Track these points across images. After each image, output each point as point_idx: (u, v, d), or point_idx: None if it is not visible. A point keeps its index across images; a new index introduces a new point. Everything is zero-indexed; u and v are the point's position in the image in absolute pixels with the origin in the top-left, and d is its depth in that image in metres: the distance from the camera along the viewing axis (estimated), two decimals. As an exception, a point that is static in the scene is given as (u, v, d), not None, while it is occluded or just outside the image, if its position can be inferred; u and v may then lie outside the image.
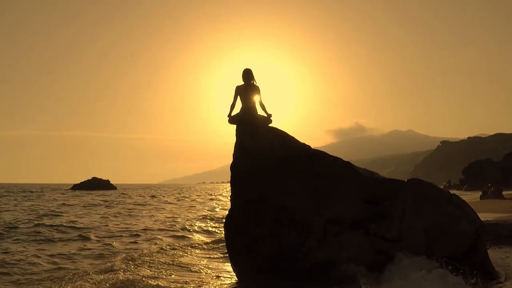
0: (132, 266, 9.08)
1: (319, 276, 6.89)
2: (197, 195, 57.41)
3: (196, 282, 7.96)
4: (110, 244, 12.45)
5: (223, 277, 8.39)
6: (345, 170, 7.28)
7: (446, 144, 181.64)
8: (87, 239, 13.41)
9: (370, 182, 7.22)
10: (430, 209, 7.01)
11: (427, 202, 7.08)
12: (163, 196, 52.76)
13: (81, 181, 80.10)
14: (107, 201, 36.93)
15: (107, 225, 17.35)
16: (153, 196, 51.36)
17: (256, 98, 7.88)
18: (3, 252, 10.73)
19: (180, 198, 47.64)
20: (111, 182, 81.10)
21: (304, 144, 7.54)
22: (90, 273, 8.36)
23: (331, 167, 7.30)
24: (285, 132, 7.66)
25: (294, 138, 7.62)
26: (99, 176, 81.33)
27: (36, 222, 17.27)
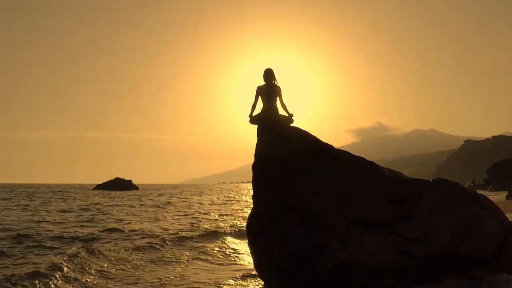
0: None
1: (342, 277, 6.83)
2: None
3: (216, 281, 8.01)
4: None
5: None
6: (368, 170, 7.20)
7: (470, 143, 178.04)
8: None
9: (394, 182, 7.13)
10: (456, 209, 6.89)
11: (453, 202, 6.95)
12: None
13: (104, 182, 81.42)
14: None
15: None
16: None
17: (277, 98, 7.88)
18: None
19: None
20: (133, 182, 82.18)
21: (327, 144, 7.49)
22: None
23: (354, 167, 7.23)
24: (307, 132, 7.63)
25: (316, 137, 7.58)
26: (121, 176, 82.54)
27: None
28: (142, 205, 33.87)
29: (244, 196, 55.10)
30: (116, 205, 33.46)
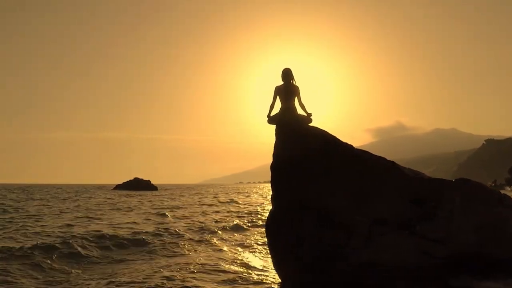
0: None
1: (362, 277, 6.77)
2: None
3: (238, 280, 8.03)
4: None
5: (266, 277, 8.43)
6: (389, 170, 7.12)
7: (491, 143, 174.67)
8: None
9: (415, 182, 7.03)
10: (479, 210, 6.77)
11: (476, 202, 6.84)
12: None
13: (123, 182, 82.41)
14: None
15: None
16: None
17: (295, 98, 7.85)
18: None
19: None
20: (151, 183, 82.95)
21: (346, 144, 7.43)
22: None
23: (374, 167, 7.15)
24: (326, 132, 7.57)
25: (335, 137, 7.52)
26: (140, 177, 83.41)
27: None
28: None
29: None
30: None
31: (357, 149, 7.44)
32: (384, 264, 6.70)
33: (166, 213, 23.04)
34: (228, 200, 39.05)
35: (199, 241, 13.24)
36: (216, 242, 13.24)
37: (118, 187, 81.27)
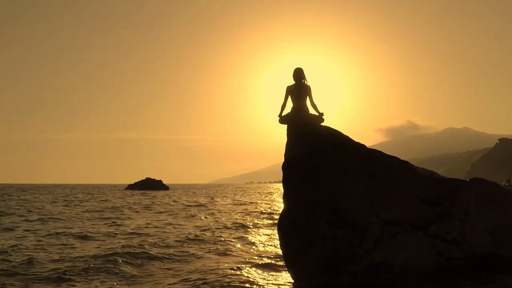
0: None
1: (375, 278, 6.71)
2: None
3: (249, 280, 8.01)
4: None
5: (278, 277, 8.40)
6: (403, 170, 7.05)
7: (505, 142, 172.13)
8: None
9: (429, 182, 6.95)
10: (495, 210, 6.68)
11: (491, 202, 6.75)
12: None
13: (135, 182, 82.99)
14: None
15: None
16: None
17: (307, 98, 7.81)
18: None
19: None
20: (163, 182, 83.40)
21: (358, 143, 7.37)
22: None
23: (388, 167, 7.09)
24: (339, 131, 7.51)
25: (348, 137, 7.46)
26: (151, 177, 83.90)
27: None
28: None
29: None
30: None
31: (370, 149, 7.38)
32: (398, 264, 6.63)
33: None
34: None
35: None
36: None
37: (130, 187, 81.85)
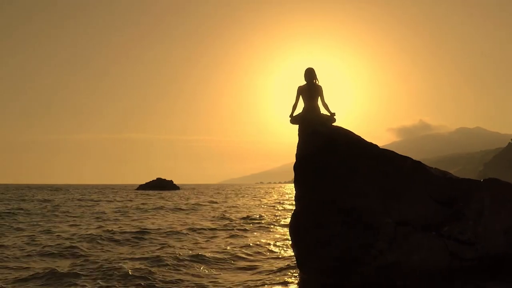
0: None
1: (388, 278, 6.68)
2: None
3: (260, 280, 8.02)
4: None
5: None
6: (415, 170, 7.00)
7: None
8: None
9: (443, 182, 6.90)
10: (509, 210, 6.60)
11: (506, 202, 6.67)
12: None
13: (146, 182, 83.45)
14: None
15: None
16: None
17: (319, 98, 7.81)
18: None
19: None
20: (174, 183, 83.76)
21: (371, 143, 7.34)
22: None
23: (400, 167, 7.04)
24: (351, 131, 7.49)
25: (360, 137, 7.43)
26: (162, 177, 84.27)
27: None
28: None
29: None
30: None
31: (382, 149, 7.34)
32: (411, 265, 6.59)
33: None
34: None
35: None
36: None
37: (141, 187, 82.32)
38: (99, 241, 12.28)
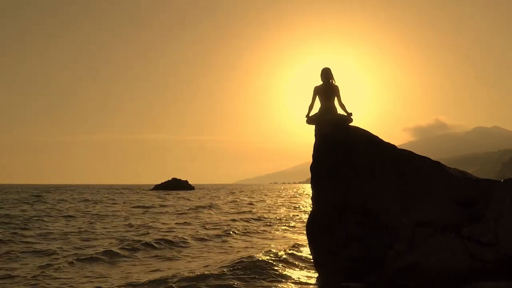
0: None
1: (407, 280, 6.62)
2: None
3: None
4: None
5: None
6: (434, 170, 6.93)
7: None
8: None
9: (462, 183, 6.81)
10: (531, 212, 6.48)
11: (528, 203, 6.54)
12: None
13: (162, 182, 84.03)
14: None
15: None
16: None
17: (335, 98, 7.77)
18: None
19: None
20: (189, 183, 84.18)
21: (388, 143, 7.29)
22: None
23: (419, 167, 6.98)
24: (368, 131, 7.45)
25: (377, 137, 7.39)
26: (177, 177, 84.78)
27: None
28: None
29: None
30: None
31: (400, 149, 7.29)
32: (430, 267, 6.52)
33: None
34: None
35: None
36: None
37: (157, 187, 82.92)
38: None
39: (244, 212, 24.98)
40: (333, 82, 7.84)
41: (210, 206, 29.65)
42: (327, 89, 7.78)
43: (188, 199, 41.71)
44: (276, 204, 32.96)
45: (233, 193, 66.42)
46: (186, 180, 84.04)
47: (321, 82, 7.87)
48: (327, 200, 7.39)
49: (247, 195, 57.35)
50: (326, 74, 7.83)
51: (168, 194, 56.78)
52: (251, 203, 35.05)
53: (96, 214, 22.97)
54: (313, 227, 7.50)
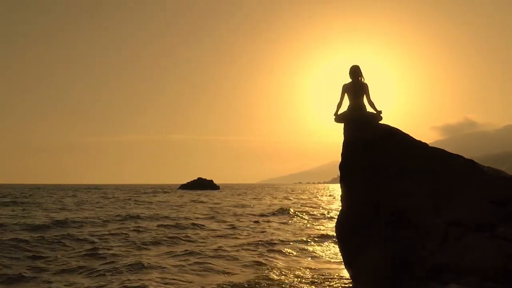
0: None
1: (438, 280, 6.50)
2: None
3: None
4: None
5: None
6: (467, 169, 6.77)
7: None
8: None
9: (497, 182, 6.63)
10: None
11: None
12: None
13: (187, 182, 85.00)
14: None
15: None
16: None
17: (364, 96, 7.69)
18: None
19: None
20: (214, 182, 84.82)
21: (420, 142, 7.16)
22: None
23: (452, 166, 6.83)
24: (399, 129, 7.34)
25: (409, 135, 7.27)
26: (202, 177, 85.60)
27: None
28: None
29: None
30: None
31: (433, 148, 7.15)
32: (463, 267, 6.38)
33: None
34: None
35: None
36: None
37: (183, 187, 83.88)
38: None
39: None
40: (362, 79, 7.76)
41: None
42: (356, 87, 7.70)
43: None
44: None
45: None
46: (211, 180, 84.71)
47: (350, 80, 7.80)
48: (356, 199, 7.32)
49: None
50: (355, 71, 7.76)
51: (199, 194, 55.88)
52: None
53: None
54: (342, 228, 7.45)
